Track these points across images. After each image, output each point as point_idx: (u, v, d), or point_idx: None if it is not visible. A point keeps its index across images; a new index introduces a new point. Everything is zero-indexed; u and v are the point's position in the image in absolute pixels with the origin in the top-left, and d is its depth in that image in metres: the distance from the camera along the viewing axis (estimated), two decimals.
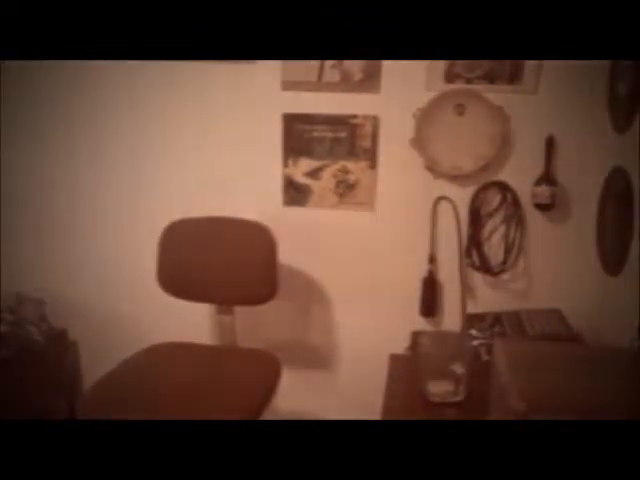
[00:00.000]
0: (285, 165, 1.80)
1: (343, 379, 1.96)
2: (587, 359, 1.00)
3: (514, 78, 1.60)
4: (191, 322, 1.96)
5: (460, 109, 1.64)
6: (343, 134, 1.74)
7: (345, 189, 1.79)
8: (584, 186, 1.64)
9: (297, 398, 1.98)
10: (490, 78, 1.62)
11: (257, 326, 1.95)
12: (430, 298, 1.79)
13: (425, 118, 1.65)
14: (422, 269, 1.79)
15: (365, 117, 1.72)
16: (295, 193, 1.82)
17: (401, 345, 1.69)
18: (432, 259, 1.78)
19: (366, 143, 1.74)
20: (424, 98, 1.64)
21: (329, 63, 1.69)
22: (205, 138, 1.83)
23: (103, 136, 1.89)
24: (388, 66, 1.67)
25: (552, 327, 1.52)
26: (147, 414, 1.34)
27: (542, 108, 1.62)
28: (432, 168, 1.71)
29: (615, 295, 1.50)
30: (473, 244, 1.74)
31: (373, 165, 1.75)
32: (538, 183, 1.64)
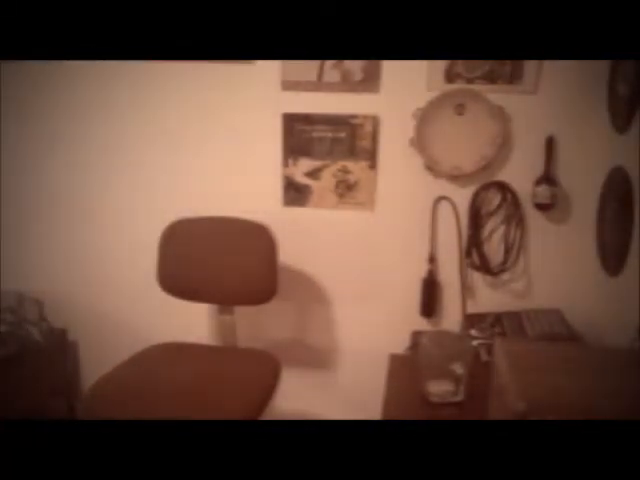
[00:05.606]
0: (285, 165, 1.80)
1: (343, 379, 1.96)
2: (587, 359, 1.00)
3: (514, 78, 1.60)
4: (191, 322, 1.96)
5: (460, 109, 1.64)
6: (343, 134, 1.74)
7: (345, 189, 1.79)
8: (584, 186, 1.64)
9: (297, 398, 1.98)
10: (490, 78, 1.62)
11: (257, 326, 1.96)
12: (430, 298, 1.79)
13: (425, 118, 1.65)
14: (422, 269, 1.79)
15: (365, 117, 1.72)
16: (295, 193, 1.82)
17: (401, 345, 1.69)
18: (432, 259, 1.78)
19: (366, 143, 1.74)
20: (424, 98, 1.64)
21: (329, 63, 1.69)
22: (205, 138, 1.83)
23: (102, 136, 1.89)
24: (388, 66, 1.67)
25: (552, 327, 1.52)
26: (147, 414, 1.34)
27: (542, 108, 1.62)
28: (432, 168, 1.71)
29: (615, 295, 1.50)
30: (473, 244, 1.74)
31: (373, 165, 1.75)
32: (538, 183, 1.64)
